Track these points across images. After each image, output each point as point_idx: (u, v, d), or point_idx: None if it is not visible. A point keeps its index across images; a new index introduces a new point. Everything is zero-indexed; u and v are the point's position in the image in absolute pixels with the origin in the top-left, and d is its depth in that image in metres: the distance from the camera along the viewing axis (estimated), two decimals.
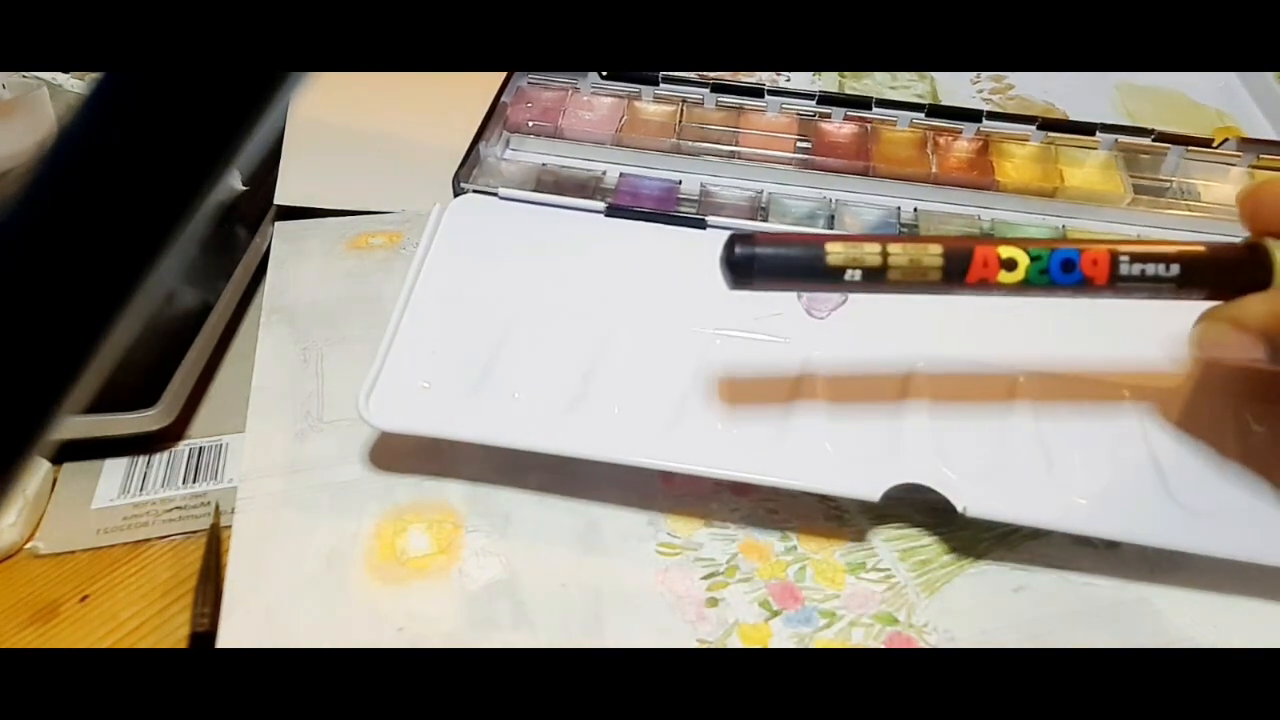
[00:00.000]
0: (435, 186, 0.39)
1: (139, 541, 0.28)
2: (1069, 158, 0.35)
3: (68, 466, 0.31)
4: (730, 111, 0.38)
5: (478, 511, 0.27)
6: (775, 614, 0.24)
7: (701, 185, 0.35)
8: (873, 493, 0.25)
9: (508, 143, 0.38)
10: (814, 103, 0.37)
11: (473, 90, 0.46)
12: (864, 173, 0.34)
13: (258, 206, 0.48)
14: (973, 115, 0.36)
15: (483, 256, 0.32)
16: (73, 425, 0.30)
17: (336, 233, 0.46)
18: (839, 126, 0.36)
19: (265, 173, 0.50)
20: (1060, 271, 0.22)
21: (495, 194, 0.34)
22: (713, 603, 0.25)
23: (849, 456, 0.26)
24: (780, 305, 0.29)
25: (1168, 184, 0.34)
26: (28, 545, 0.28)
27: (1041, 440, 0.26)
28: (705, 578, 0.25)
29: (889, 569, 0.26)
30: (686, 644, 0.24)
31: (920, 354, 0.28)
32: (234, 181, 0.49)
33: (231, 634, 0.23)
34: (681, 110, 0.38)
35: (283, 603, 0.24)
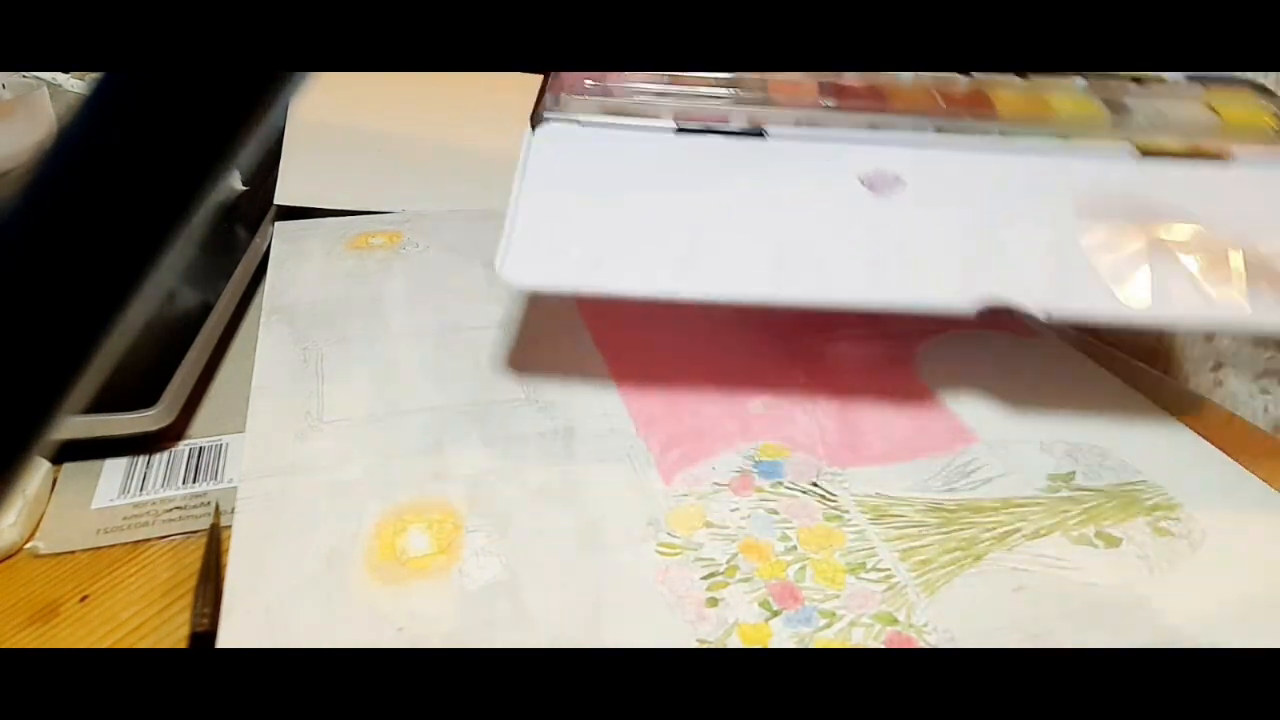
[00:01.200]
0: (435, 187, 0.39)
1: (139, 541, 0.28)
2: (1050, 92, 0.39)
3: (68, 466, 0.31)
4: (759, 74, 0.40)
5: (478, 511, 0.28)
6: (775, 614, 0.24)
7: (747, 115, 0.38)
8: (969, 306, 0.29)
9: (559, 102, 0.39)
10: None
11: (473, 90, 0.46)
12: (883, 111, 0.38)
13: (258, 206, 0.48)
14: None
15: (578, 164, 0.35)
16: (73, 425, 0.30)
17: (336, 233, 0.46)
18: (853, 81, 0.40)
19: (265, 173, 0.50)
20: None
21: (576, 121, 0.36)
22: (713, 603, 0.25)
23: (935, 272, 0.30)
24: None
25: (1134, 109, 0.39)
26: (28, 545, 0.28)
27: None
28: (705, 578, 0.25)
29: (889, 569, 0.26)
30: (686, 644, 0.24)
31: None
32: (234, 181, 0.49)
33: (231, 634, 0.23)
34: None
35: (283, 603, 0.24)
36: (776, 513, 0.28)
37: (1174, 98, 0.39)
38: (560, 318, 0.39)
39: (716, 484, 0.29)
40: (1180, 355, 0.44)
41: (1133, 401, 0.34)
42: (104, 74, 0.10)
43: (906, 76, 0.39)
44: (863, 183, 0.33)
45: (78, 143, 0.11)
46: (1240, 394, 0.42)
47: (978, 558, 0.26)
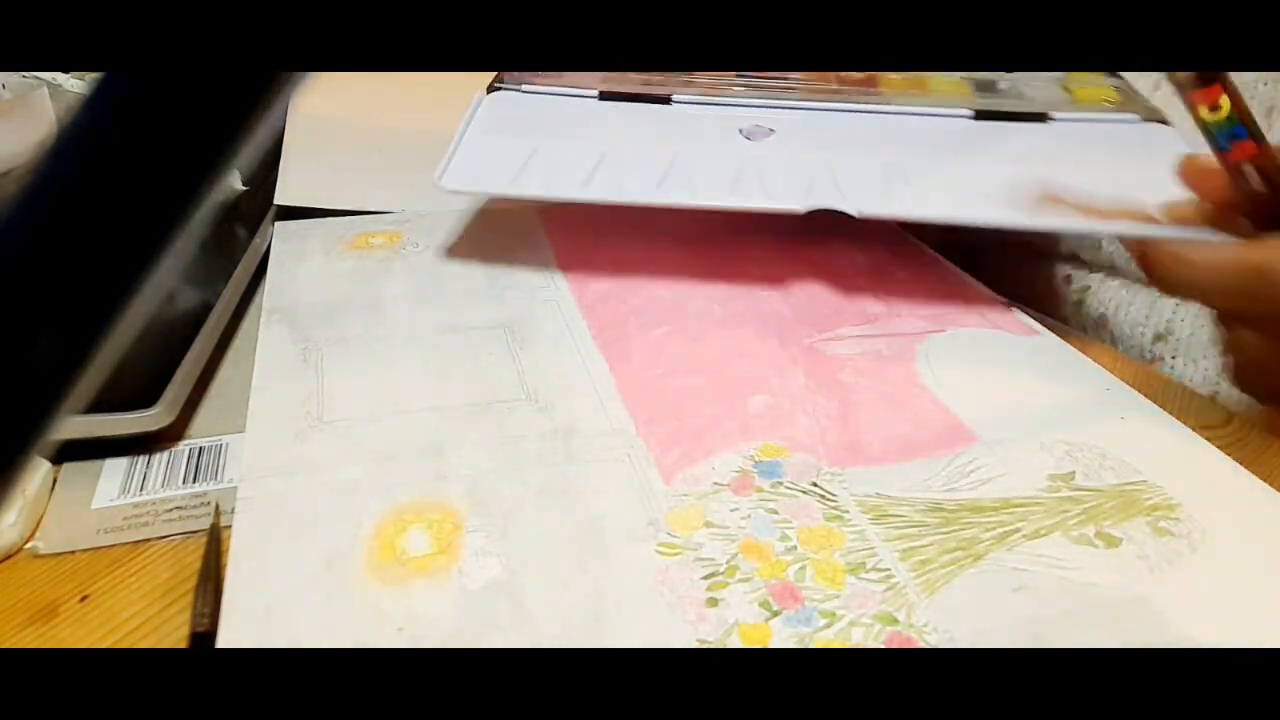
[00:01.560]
0: (435, 187, 0.39)
1: (139, 541, 0.28)
2: (929, 79, 0.47)
3: (68, 466, 0.31)
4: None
5: (478, 511, 0.28)
6: (775, 614, 0.24)
7: (660, 87, 0.47)
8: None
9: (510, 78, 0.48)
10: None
11: (473, 90, 0.46)
12: (780, 88, 0.47)
13: (258, 206, 0.48)
14: None
15: (515, 116, 0.44)
16: (73, 425, 0.30)
17: (336, 233, 0.46)
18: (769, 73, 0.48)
19: (265, 173, 0.50)
20: None
21: (520, 89, 0.46)
22: (713, 603, 0.25)
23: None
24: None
25: (1000, 88, 0.47)
26: (27, 545, 0.28)
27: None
28: (705, 578, 0.25)
29: (889, 569, 0.26)
30: (686, 644, 0.24)
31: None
32: (234, 181, 0.49)
33: (231, 634, 0.23)
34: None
35: (283, 603, 0.24)
36: (776, 513, 0.28)
37: (1037, 83, 0.47)
38: (562, 317, 0.39)
39: (716, 484, 0.29)
40: (1121, 328, 0.48)
41: (1132, 401, 0.34)
42: (104, 74, 0.10)
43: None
44: (741, 132, 0.42)
45: (78, 143, 0.11)
46: (1187, 373, 0.46)
47: (978, 558, 0.26)
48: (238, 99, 0.11)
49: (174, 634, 0.25)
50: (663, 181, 0.39)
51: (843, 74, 0.46)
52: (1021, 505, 0.29)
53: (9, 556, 0.28)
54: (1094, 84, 0.46)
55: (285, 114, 0.42)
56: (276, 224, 0.46)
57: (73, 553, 0.28)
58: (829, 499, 0.29)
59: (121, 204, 0.10)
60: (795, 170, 0.39)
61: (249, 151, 0.11)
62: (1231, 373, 0.34)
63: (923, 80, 0.46)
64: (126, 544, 0.28)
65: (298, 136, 0.51)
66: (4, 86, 0.50)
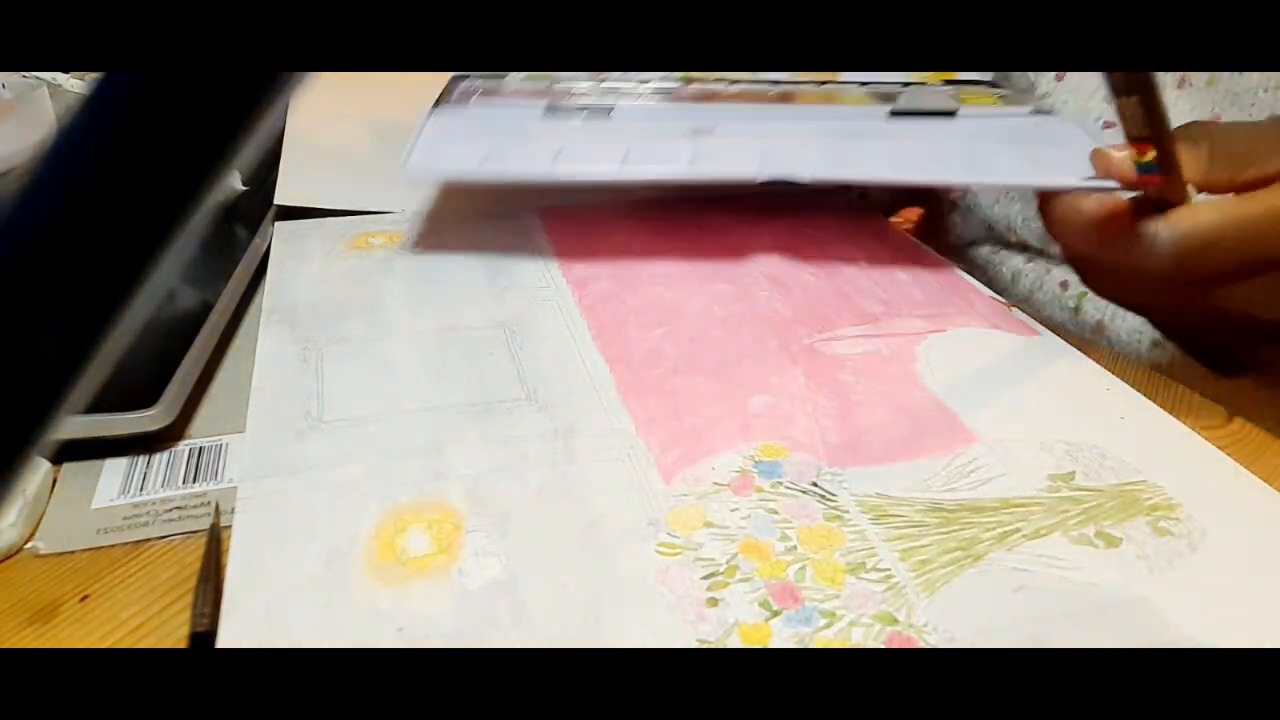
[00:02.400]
0: (435, 187, 0.39)
1: (139, 541, 0.28)
2: (839, 91, 0.52)
3: (68, 466, 0.31)
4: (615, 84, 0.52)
5: (477, 511, 0.28)
6: (775, 614, 0.24)
7: (600, 101, 0.50)
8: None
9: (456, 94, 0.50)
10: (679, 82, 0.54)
11: None
12: (709, 101, 0.50)
13: (258, 206, 0.48)
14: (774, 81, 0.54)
15: (466, 125, 0.46)
16: (73, 425, 0.30)
17: (336, 233, 0.46)
18: (687, 92, 0.52)
19: (265, 173, 0.50)
20: None
21: (467, 104, 0.48)
22: (713, 603, 0.25)
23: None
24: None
25: (900, 100, 0.52)
26: (28, 545, 0.28)
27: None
28: (705, 578, 0.25)
29: (889, 569, 0.26)
30: (686, 644, 0.24)
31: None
32: (234, 181, 0.49)
33: (231, 634, 0.23)
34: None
35: (283, 603, 0.24)
36: (776, 513, 0.28)
37: (932, 92, 0.52)
38: (562, 317, 0.39)
39: (716, 484, 0.29)
40: (1119, 334, 0.49)
41: (1132, 401, 0.34)
42: (104, 74, 0.10)
43: (731, 88, 0.51)
44: (686, 133, 0.45)
45: (78, 142, 0.11)
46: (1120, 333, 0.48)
47: (978, 558, 0.26)
48: (238, 99, 0.11)
49: (174, 634, 0.25)
50: (624, 161, 0.42)
51: (761, 91, 0.51)
52: (1021, 505, 0.29)
53: (9, 556, 0.28)
54: (980, 92, 0.53)
55: (285, 114, 0.42)
56: (276, 224, 0.46)
57: (73, 553, 0.28)
58: (829, 499, 0.29)
59: (121, 204, 0.10)
60: (745, 150, 0.43)
61: (249, 151, 0.11)
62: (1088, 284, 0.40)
63: (833, 95, 0.51)
64: (126, 544, 0.28)
65: (298, 136, 0.51)
66: (4, 86, 0.50)
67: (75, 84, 0.56)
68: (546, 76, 0.52)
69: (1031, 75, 0.54)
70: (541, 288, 0.41)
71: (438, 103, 0.47)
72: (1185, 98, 0.46)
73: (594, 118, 0.47)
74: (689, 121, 0.46)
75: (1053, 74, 0.54)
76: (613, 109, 0.48)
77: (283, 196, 0.47)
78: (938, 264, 0.45)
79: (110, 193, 0.10)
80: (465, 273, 0.42)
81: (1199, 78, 0.46)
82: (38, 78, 0.52)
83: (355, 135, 0.54)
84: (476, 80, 0.50)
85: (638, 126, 0.46)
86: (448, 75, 0.50)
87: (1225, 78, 0.45)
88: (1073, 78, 0.53)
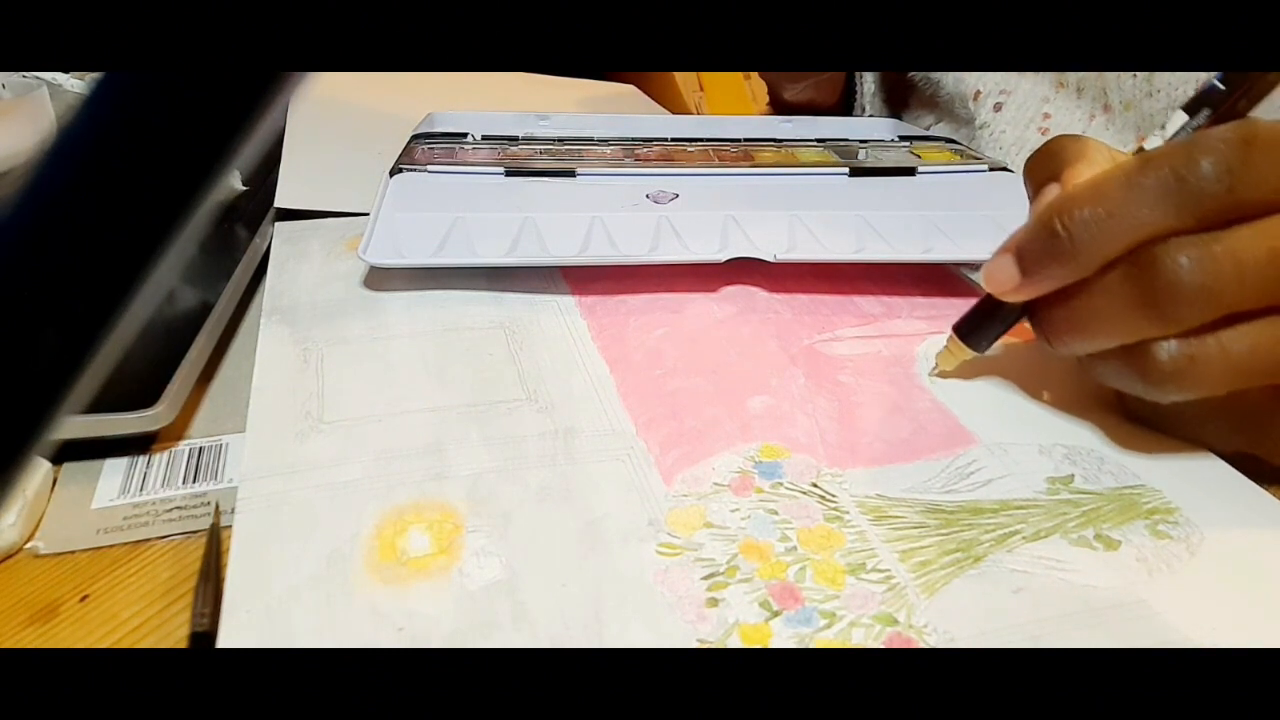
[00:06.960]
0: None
1: (139, 541, 0.28)
2: (797, 149, 0.55)
3: (68, 466, 0.31)
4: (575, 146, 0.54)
5: (478, 511, 0.28)
6: (775, 614, 0.24)
7: (561, 163, 0.51)
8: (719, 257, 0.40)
9: (413, 159, 0.50)
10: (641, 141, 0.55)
11: (473, 91, 0.46)
12: (669, 163, 0.51)
13: (258, 206, 0.48)
14: (735, 140, 0.56)
15: (425, 195, 0.45)
16: (73, 425, 0.30)
17: (336, 233, 0.46)
18: (648, 151, 0.54)
19: (265, 173, 0.50)
20: None
21: (426, 170, 0.47)
22: (713, 603, 0.25)
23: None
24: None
25: (860, 157, 0.54)
26: (28, 545, 0.28)
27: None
28: (705, 578, 0.25)
29: (889, 569, 0.26)
30: (686, 644, 0.24)
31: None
32: (234, 181, 0.49)
33: (231, 634, 0.23)
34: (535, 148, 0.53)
35: (283, 603, 0.24)
36: (776, 513, 0.28)
37: (890, 150, 0.55)
38: (562, 317, 0.39)
39: (716, 484, 0.29)
40: None
41: None
42: (104, 74, 0.10)
43: (691, 149, 0.54)
44: (648, 197, 0.46)
45: (78, 143, 0.11)
46: None
47: (977, 559, 0.26)
48: (238, 99, 0.11)
49: (174, 634, 0.25)
50: (585, 243, 0.41)
51: (722, 152, 0.53)
52: (1021, 507, 0.29)
53: (9, 556, 0.28)
54: (936, 148, 0.55)
55: (285, 114, 0.42)
56: (276, 224, 0.46)
57: (73, 553, 0.28)
58: (829, 500, 0.29)
59: (121, 203, 0.10)
60: (708, 226, 0.43)
61: (249, 151, 0.11)
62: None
63: (793, 154, 0.53)
64: (126, 544, 0.28)
65: (298, 136, 0.51)
66: (4, 86, 0.50)
67: (75, 84, 0.56)
68: (507, 138, 0.55)
69: (971, 106, 0.57)
70: (542, 288, 0.41)
71: (396, 167, 0.46)
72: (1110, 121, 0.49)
73: (555, 181, 0.47)
74: (651, 183, 0.47)
75: (991, 105, 0.56)
76: (574, 172, 0.48)
77: (283, 199, 0.47)
78: (938, 265, 0.45)
79: (110, 193, 0.10)
80: (465, 273, 0.42)
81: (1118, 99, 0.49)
82: (38, 78, 0.52)
83: (355, 135, 0.54)
84: (437, 145, 0.51)
85: (600, 190, 0.46)
86: (447, 75, 0.50)
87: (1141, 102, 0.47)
88: (1010, 108, 0.55)
